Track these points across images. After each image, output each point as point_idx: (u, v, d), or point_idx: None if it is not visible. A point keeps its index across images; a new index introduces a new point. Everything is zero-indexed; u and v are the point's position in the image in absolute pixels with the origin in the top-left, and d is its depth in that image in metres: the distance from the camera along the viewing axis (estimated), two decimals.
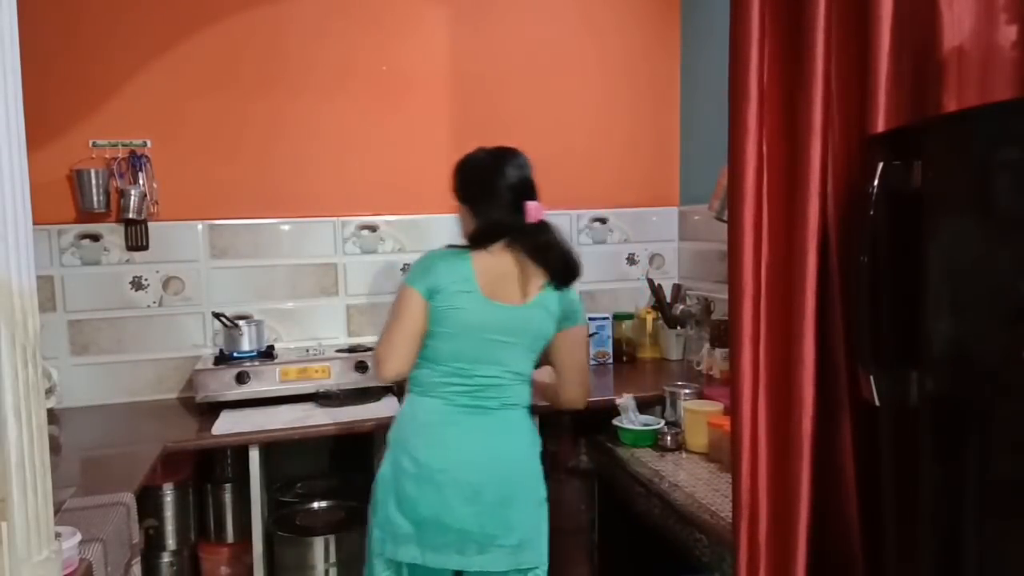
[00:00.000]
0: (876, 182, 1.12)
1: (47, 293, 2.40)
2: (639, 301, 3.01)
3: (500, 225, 1.72)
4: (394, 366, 1.73)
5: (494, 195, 1.73)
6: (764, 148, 1.26)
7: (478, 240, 1.74)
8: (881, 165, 1.12)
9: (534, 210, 1.73)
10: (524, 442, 1.75)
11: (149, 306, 2.51)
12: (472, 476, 1.65)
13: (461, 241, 1.80)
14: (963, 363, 1.02)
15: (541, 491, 1.76)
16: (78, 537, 1.25)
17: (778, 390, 1.28)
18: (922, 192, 1.08)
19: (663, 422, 2.10)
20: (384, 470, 1.73)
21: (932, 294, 1.05)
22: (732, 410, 1.31)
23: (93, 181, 2.36)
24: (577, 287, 1.81)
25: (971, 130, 1.02)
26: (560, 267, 1.73)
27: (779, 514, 1.26)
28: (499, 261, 1.72)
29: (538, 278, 1.73)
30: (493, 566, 1.66)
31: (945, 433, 1.04)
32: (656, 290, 2.89)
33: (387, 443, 1.76)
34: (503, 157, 1.78)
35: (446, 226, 2.76)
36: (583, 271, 1.79)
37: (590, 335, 2.77)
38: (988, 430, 0.97)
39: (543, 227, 1.74)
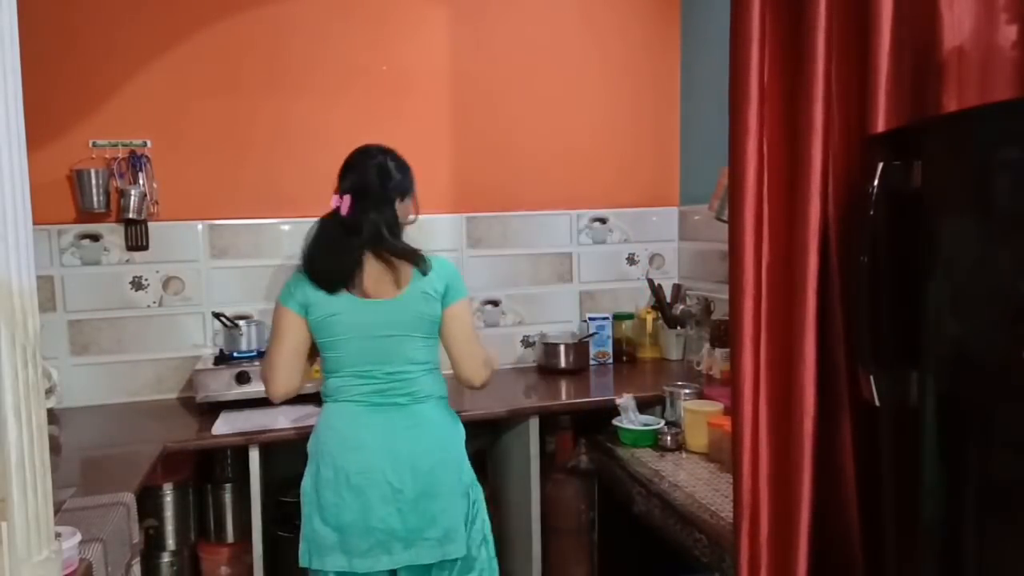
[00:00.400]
0: (876, 182, 1.12)
1: (47, 293, 2.40)
2: (639, 301, 3.01)
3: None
4: (279, 384, 1.74)
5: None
6: (765, 148, 1.26)
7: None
8: (881, 165, 1.12)
9: (336, 204, 1.76)
10: (441, 433, 1.74)
11: (149, 306, 2.51)
12: (391, 474, 1.66)
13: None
14: (963, 363, 1.02)
15: (464, 480, 1.76)
16: (78, 537, 1.25)
17: (779, 390, 1.28)
18: (922, 192, 1.08)
19: (663, 422, 2.10)
20: (305, 483, 1.74)
21: (932, 294, 1.05)
22: (733, 410, 1.31)
23: (93, 181, 2.36)
24: (448, 258, 1.83)
25: (971, 130, 1.02)
26: (383, 246, 1.71)
27: (780, 514, 1.26)
28: (368, 262, 1.72)
29: (406, 267, 1.72)
30: (420, 559, 1.68)
31: (945, 433, 1.04)
32: (656, 290, 2.89)
33: (308, 456, 1.77)
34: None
35: (446, 226, 2.77)
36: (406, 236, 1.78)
37: (590, 335, 2.78)
38: (988, 430, 0.97)
39: (354, 221, 1.72)
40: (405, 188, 1.81)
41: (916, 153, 1.09)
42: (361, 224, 1.71)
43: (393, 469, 1.67)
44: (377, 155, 1.80)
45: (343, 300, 1.70)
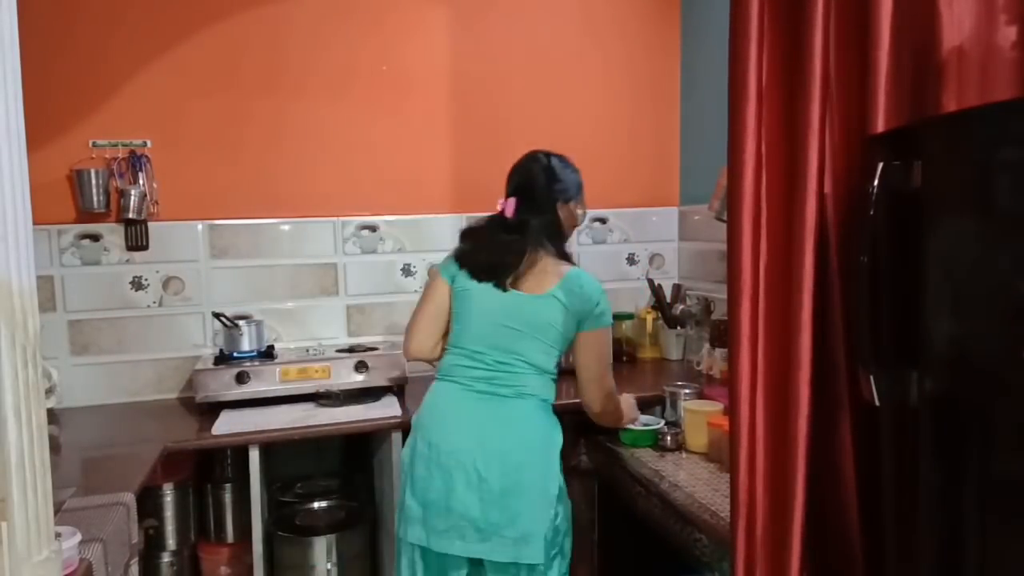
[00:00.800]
0: (876, 182, 1.11)
1: (47, 293, 2.40)
2: (639, 301, 3.01)
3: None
4: (414, 344, 1.85)
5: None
6: (763, 148, 1.26)
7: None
8: (881, 165, 1.11)
9: (501, 207, 1.84)
10: (537, 434, 1.73)
11: (149, 306, 2.51)
12: (479, 462, 1.66)
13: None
14: (963, 363, 1.02)
15: (552, 488, 1.71)
16: (78, 537, 1.25)
17: (776, 390, 1.27)
18: (922, 192, 1.08)
19: (663, 422, 2.10)
20: (404, 453, 1.79)
21: (932, 294, 1.05)
22: (730, 410, 1.31)
23: (93, 181, 2.36)
24: (600, 286, 1.80)
25: (971, 130, 1.02)
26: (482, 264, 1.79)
27: (776, 514, 1.26)
28: (521, 264, 1.77)
29: (554, 274, 1.76)
30: (493, 555, 1.66)
31: (945, 433, 1.04)
32: (656, 290, 2.89)
33: (411, 427, 1.82)
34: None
35: (446, 226, 2.77)
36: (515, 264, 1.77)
37: None
38: (988, 430, 0.97)
39: (515, 223, 1.81)
40: (570, 192, 1.89)
41: (916, 153, 1.08)
42: (521, 226, 1.79)
43: (483, 457, 1.66)
44: (543, 158, 1.87)
45: (485, 285, 1.77)
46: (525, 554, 1.66)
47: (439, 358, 1.87)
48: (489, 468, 1.66)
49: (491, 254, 1.78)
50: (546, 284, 1.75)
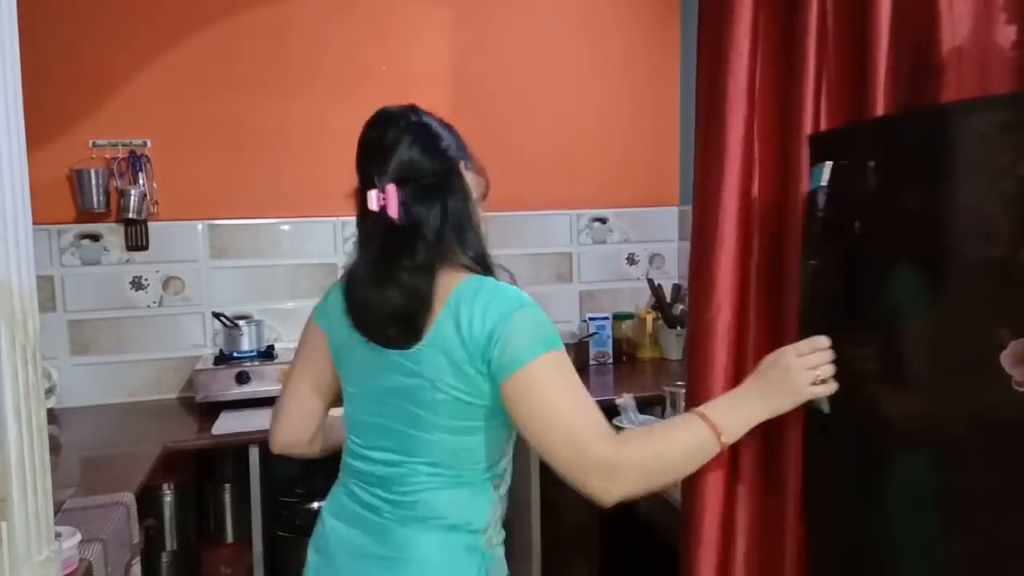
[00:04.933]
0: (824, 183, 1.11)
1: (47, 293, 2.40)
2: (639, 301, 3.01)
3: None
4: (276, 435, 1.30)
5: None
6: (755, 151, 1.27)
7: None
8: (830, 164, 1.11)
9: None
10: None
11: (149, 306, 2.51)
12: None
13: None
14: (935, 370, 1.00)
15: None
16: (78, 537, 1.25)
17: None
18: (875, 193, 1.06)
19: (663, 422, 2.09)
20: None
21: (884, 301, 1.03)
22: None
23: (93, 181, 2.36)
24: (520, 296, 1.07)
25: (921, 130, 1.01)
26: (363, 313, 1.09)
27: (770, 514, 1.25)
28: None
29: (443, 294, 1.05)
30: None
31: (902, 446, 1.02)
32: (656, 290, 2.89)
33: None
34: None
35: None
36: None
37: (590, 335, 2.78)
38: (980, 434, 0.96)
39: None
40: (461, 152, 1.22)
41: (865, 153, 1.07)
42: (415, 230, 1.05)
43: None
44: (409, 114, 1.16)
45: (348, 337, 1.17)
46: None
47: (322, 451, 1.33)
48: None
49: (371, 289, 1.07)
50: (424, 322, 1.04)
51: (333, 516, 1.17)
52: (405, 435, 1.08)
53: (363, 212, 1.08)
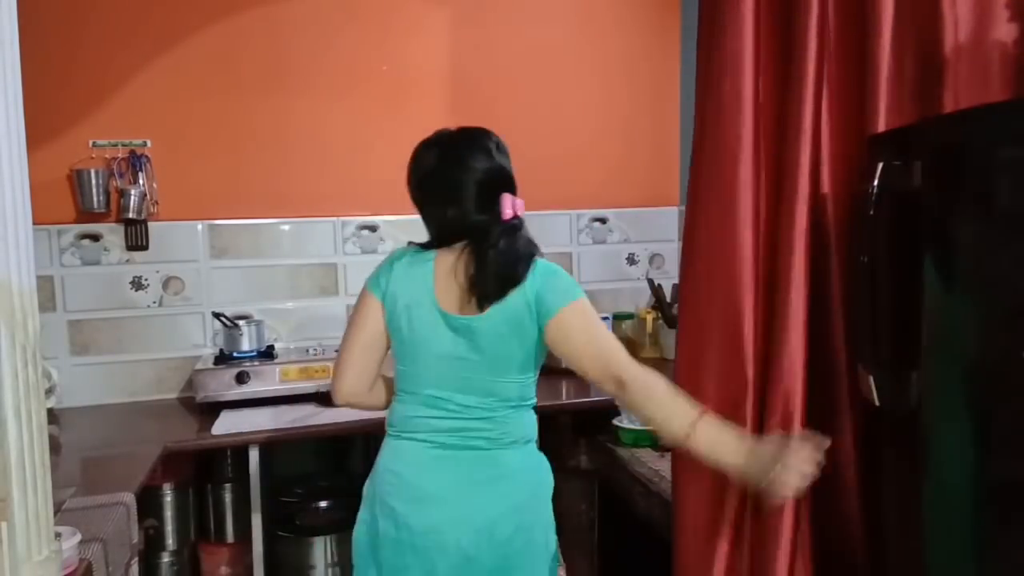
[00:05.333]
0: (876, 182, 1.11)
1: (47, 293, 2.39)
2: (639, 301, 3.01)
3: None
4: (342, 385, 1.47)
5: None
6: (760, 148, 1.26)
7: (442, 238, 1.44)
8: (881, 165, 1.11)
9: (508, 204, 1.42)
10: (527, 491, 1.41)
11: (149, 306, 2.51)
12: (463, 538, 1.34)
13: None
14: (963, 363, 1.02)
15: (551, 546, 1.44)
16: (78, 537, 1.25)
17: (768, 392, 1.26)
18: (922, 192, 1.07)
19: None
20: (358, 532, 1.45)
21: (932, 294, 1.05)
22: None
23: (93, 181, 2.36)
24: (548, 259, 1.44)
25: (971, 130, 1.02)
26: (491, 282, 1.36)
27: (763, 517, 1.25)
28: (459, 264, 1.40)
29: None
30: None
31: (945, 434, 1.04)
32: (656, 290, 2.88)
33: (362, 498, 1.48)
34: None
35: None
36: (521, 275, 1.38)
37: None
38: (988, 430, 0.97)
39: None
40: None
41: (916, 153, 1.09)
42: (520, 226, 1.46)
43: (466, 532, 1.35)
44: (490, 134, 1.67)
45: (424, 309, 1.46)
46: None
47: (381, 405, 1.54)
48: (478, 545, 1.34)
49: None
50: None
51: (417, 467, 1.39)
52: (492, 383, 1.39)
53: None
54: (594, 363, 1.37)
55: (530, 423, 1.46)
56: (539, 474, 1.46)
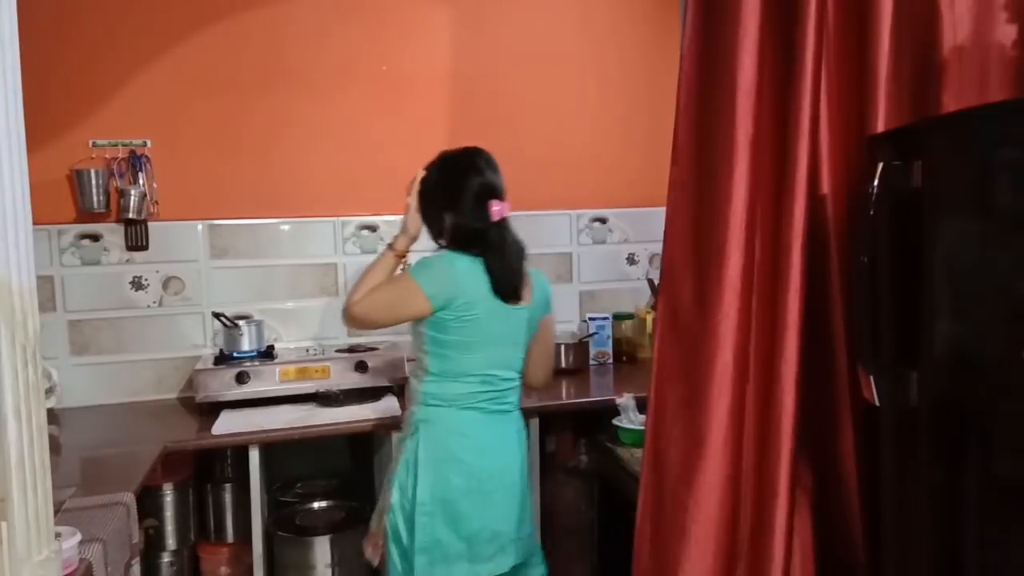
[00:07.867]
0: (876, 182, 1.12)
1: (47, 293, 2.39)
2: (639, 301, 3.01)
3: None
4: (364, 311, 1.75)
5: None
6: (756, 150, 1.26)
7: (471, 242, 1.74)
8: (881, 165, 1.12)
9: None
10: (524, 439, 1.86)
11: (149, 306, 2.51)
12: (511, 477, 1.77)
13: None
14: (963, 363, 1.02)
15: (530, 481, 1.90)
16: (78, 537, 1.25)
17: (763, 391, 1.26)
18: (922, 192, 1.08)
19: None
20: (423, 493, 1.69)
21: (932, 294, 1.05)
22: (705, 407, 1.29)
23: (93, 181, 2.36)
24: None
25: (971, 130, 1.02)
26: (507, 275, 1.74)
27: (760, 511, 1.25)
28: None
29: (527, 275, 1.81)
30: (521, 557, 1.78)
31: (945, 433, 1.04)
32: (656, 290, 2.88)
33: (417, 467, 1.71)
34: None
35: None
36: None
37: (590, 335, 2.78)
38: (988, 430, 0.97)
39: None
40: None
41: (916, 153, 1.09)
42: (507, 227, 1.80)
43: (512, 472, 1.77)
44: (483, 152, 1.84)
45: (490, 304, 1.75)
46: (534, 547, 1.84)
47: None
48: (515, 481, 1.77)
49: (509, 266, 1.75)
50: (526, 290, 1.78)
51: (480, 428, 1.75)
52: (519, 359, 1.81)
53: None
54: (543, 360, 1.91)
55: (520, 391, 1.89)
56: (524, 429, 1.90)
